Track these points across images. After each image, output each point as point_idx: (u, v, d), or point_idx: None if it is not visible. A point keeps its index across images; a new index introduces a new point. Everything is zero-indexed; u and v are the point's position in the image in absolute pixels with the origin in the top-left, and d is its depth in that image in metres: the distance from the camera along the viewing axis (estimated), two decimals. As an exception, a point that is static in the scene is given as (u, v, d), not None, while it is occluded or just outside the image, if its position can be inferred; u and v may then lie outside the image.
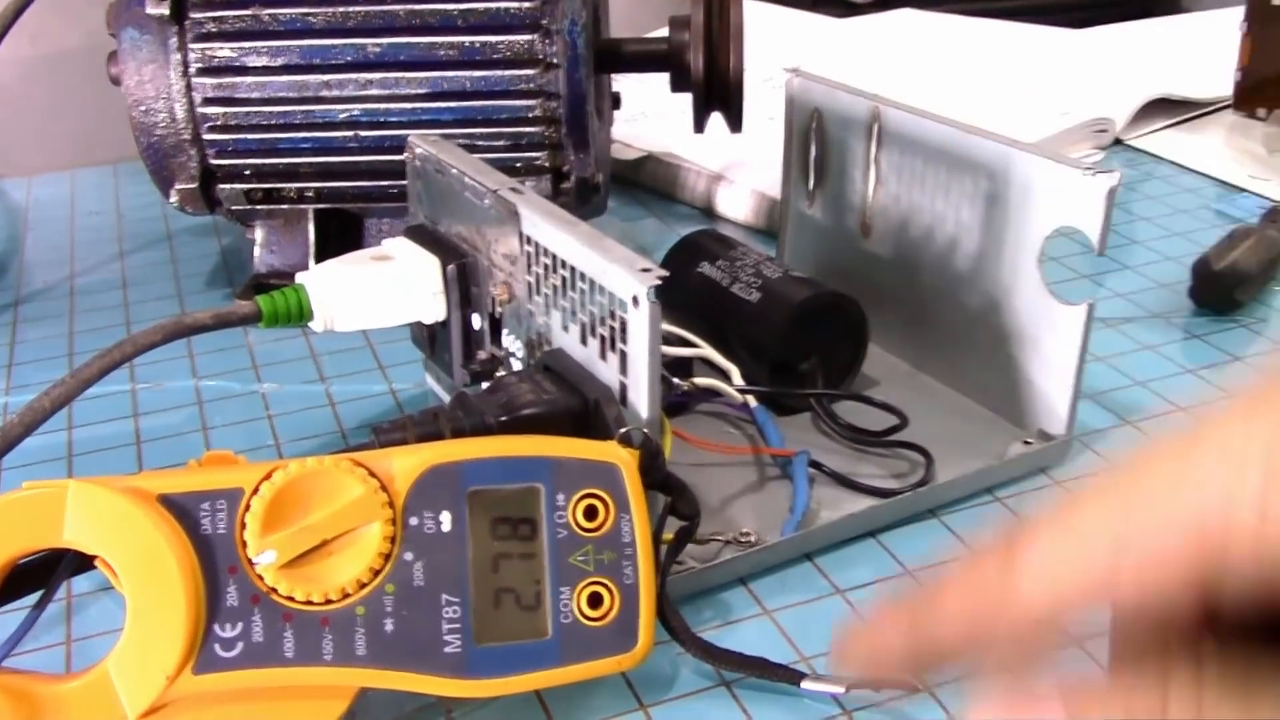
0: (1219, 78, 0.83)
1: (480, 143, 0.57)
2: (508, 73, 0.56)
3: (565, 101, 0.56)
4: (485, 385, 0.39)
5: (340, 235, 0.60)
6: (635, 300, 0.35)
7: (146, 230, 0.71)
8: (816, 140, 0.54)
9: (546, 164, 0.57)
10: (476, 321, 0.45)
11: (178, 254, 0.68)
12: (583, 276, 0.37)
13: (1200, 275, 0.58)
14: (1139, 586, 0.19)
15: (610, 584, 0.33)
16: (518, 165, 0.57)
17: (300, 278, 0.44)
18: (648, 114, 0.80)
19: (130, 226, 0.72)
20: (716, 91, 0.58)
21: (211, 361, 0.56)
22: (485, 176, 0.43)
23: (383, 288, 0.44)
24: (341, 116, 0.57)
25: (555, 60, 0.56)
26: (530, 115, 0.57)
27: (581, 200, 0.58)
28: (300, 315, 0.43)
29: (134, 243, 0.70)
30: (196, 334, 0.42)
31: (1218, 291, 0.57)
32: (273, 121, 0.57)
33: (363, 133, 0.57)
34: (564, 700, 0.35)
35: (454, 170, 0.44)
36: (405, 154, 0.48)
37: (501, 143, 0.57)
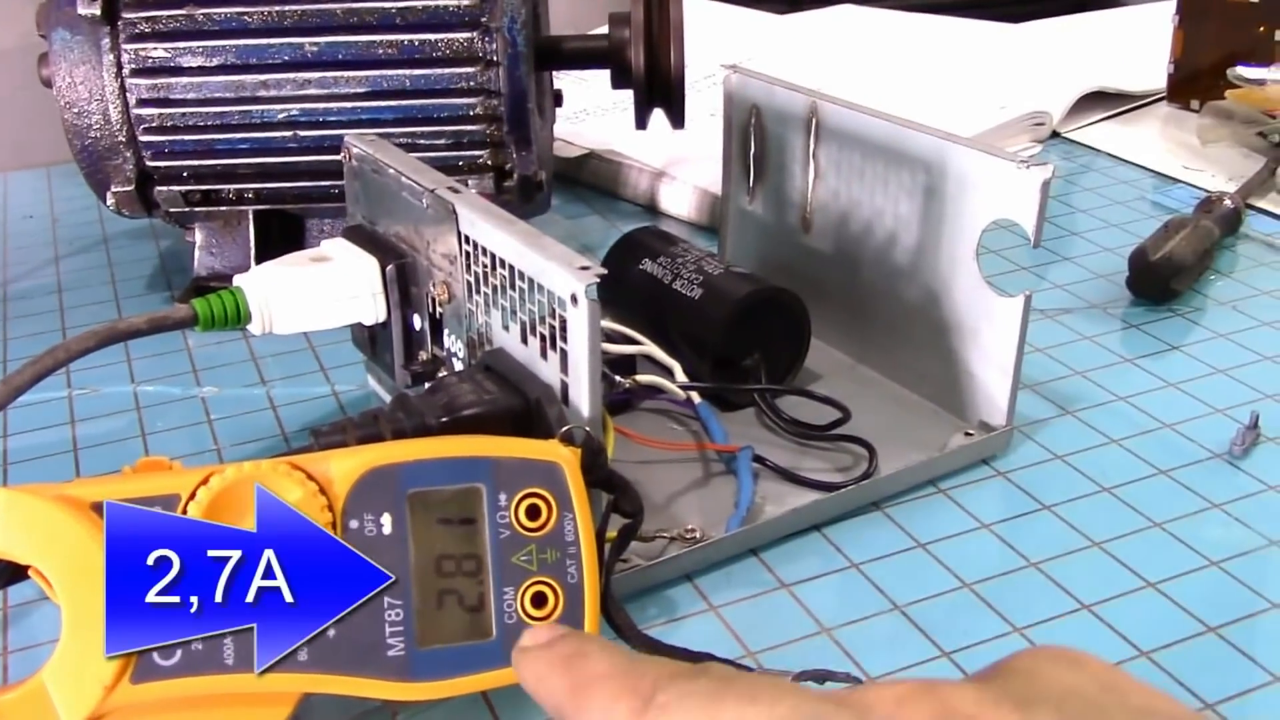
0: (1152, 71, 0.85)
1: (421, 141, 0.56)
2: (447, 71, 0.56)
3: (506, 99, 0.56)
4: (427, 386, 0.39)
5: (281, 236, 0.60)
6: (574, 298, 0.35)
7: (82, 234, 0.70)
8: (756, 136, 0.54)
9: (489, 162, 0.57)
10: (417, 322, 0.45)
11: (114, 258, 0.67)
12: (521, 275, 0.37)
13: (1137, 266, 0.58)
14: None
15: (554, 583, 0.33)
16: (460, 164, 0.57)
17: (238, 280, 0.43)
18: (590, 112, 0.80)
19: (65, 231, 0.71)
20: (658, 88, 0.58)
21: (150, 366, 0.55)
22: (422, 176, 0.43)
23: (321, 289, 0.44)
24: (280, 116, 0.56)
25: (495, 58, 0.55)
26: (471, 113, 0.56)
27: (524, 198, 0.58)
28: (238, 318, 0.42)
29: (69, 247, 0.69)
30: (130, 339, 0.41)
31: (1154, 282, 0.58)
32: (210, 122, 0.56)
33: (302, 132, 0.57)
34: (510, 700, 0.35)
35: (391, 170, 0.44)
36: (342, 154, 0.47)
37: (443, 141, 0.57)
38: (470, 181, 0.56)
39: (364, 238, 0.46)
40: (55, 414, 0.51)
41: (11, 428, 0.50)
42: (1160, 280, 0.58)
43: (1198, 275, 0.60)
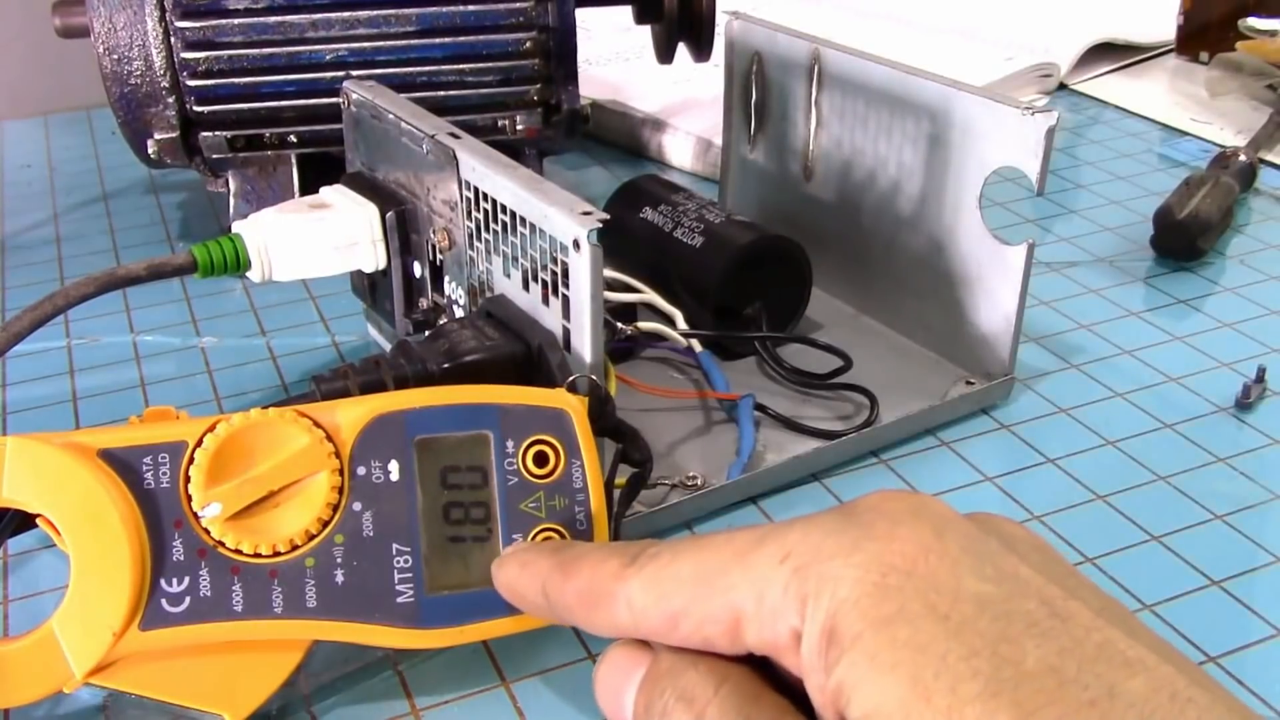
0: (1161, 22, 0.84)
1: (469, 79, 0.56)
2: (500, 6, 0.55)
3: (555, 34, 0.56)
4: (427, 333, 0.39)
5: (317, 181, 0.58)
6: (576, 244, 0.34)
7: (80, 184, 0.70)
8: (757, 84, 0.53)
9: (536, 98, 0.57)
10: (417, 269, 0.44)
11: (113, 209, 0.66)
12: (523, 221, 0.37)
13: (1163, 225, 0.57)
14: (688, 639, 0.25)
15: (563, 530, 0.33)
16: (508, 100, 0.57)
17: (236, 226, 0.43)
18: (591, 61, 0.79)
19: (63, 180, 0.71)
20: (686, 20, 0.58)
21: (149, 316, 0.55)
22: (422, 121, 0.42)
23: (320, 236, 0.43)
24: (328, 57, 0.55)
25: (548, -9, 0.55)
26: (521, 49, 0.56)
27: (570, 132, 0.58)
28: (237, 265, 0.42)
29: (67, 197, 0.68)
30: (130, 285, 0.41)
31: (1182, 241, 0.57)
32: (257, 65, 0.55)
33: (351, 73, 0.55)
34: (512, 650, 0.35)
35: (391, 116, 0.43)
36: (340, 100, 0.47)
37: (491, 78, 0.56)
38: (519, 117, 0.56)
39: (363, 184, 0.45)
40: (54, 364, 0.51)
41: (10, 378, 0.50)
42: (1188, 239, 0.57)
43: (1221, 233, 0.59)
